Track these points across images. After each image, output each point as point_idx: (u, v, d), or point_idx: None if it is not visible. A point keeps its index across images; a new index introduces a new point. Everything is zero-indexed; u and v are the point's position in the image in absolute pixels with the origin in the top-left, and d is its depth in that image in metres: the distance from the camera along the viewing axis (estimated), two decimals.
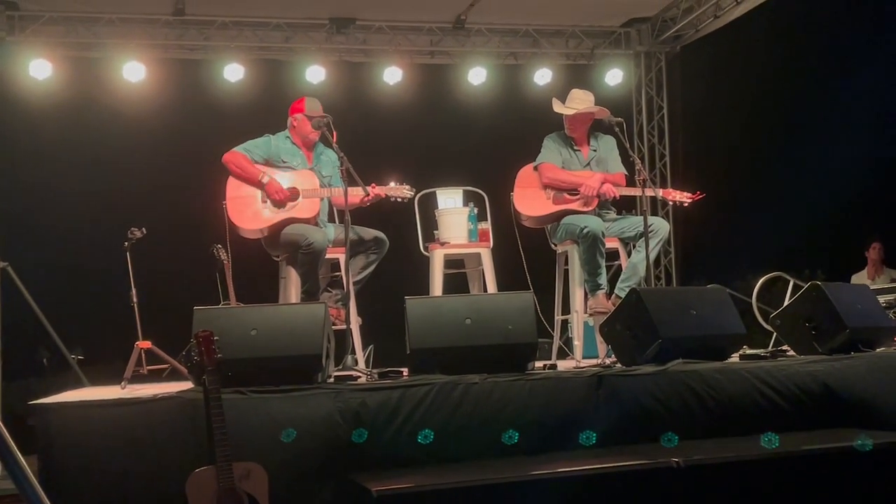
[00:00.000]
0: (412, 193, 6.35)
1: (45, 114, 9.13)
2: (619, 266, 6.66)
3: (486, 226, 6.77)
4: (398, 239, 6.44)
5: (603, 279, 6.31)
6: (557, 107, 6.64)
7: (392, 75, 10.07)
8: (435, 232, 6.73)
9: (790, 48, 11.49)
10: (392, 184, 6.20)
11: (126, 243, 6.74)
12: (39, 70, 9.13)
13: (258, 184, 6.05)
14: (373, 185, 6.06)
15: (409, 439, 4.27)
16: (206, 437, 3.87)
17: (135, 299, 6.77)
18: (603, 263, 6.30)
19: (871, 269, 10.05)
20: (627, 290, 5.75)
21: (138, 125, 9.32)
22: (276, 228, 6.04)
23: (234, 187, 6.11)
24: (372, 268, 6.13)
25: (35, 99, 9.13)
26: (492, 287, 6.55)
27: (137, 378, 5.98)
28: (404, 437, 4.27)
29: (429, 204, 6.85)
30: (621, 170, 6.63)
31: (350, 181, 5.68)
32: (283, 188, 6.02)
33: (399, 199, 6.22)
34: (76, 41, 9.42)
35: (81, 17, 9.30)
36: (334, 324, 5.51)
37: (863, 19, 11.12)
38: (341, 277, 6.05)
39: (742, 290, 7.79)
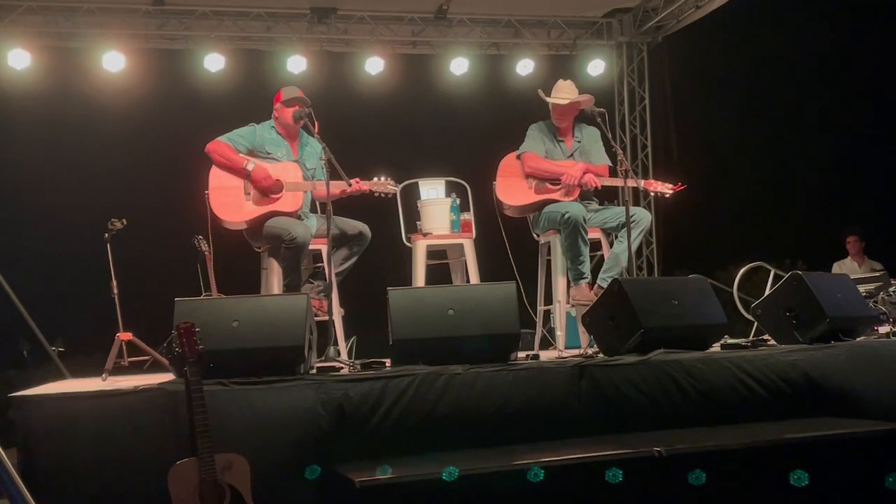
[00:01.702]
0: (397, 189, 6.34)
1: (24, 104, 9.08)
2: (602, 256, 6.67)
3: (469, 216, 6.78)
4: (380, 230, 6.43)
5: (585, 268, 6.32)
6: (551, 96, 6.59)
7: (374, 65, 10.06)
8: (417, 223, 6.73)
9: (771, 38, 11.55)
10: (376, 179, 6.19)
11: (106, 234, 6.70)
12: (18, 60, 9.07)
13: (242, 171, 6.01)
14: (356, 179, 6.04)
15: (392, 430, 4.27)
16: (187, 429, 3.85)
17: (115, 291, 6.73)
18: (585, 251, 6.31)
19: (857, 260, 10.13)
20: (609, 280, 5.76)
21: (118, 116, 9.28)
22: (259, 221, 6.01)
23: (216, 178, 6.06)
24: (354, 259, 6.12)
25: (14, 89, 9.07)
26: (474, 277, 6.55)
27: (119, 370, 5.95)
28: (387, 427, 4.27)
29: (411, 194, 6.84)
30: (605, 161, 6.64)
31: (332, 172, 5.66)
32: (270, 174, 5.99)
33: (383, 195, 6.21)
34: (55, 31, 9.37)
35: (60, 6, 9.24)
36: (317, 315, 5.50)
37: (842, 10, 11.17)
38: (323, 269, 6.04)
39: (723, 280, 7.84)
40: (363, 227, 6.14)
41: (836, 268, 9.90)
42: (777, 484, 4.09)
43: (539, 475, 3.79)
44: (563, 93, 6.59)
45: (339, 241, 6.02)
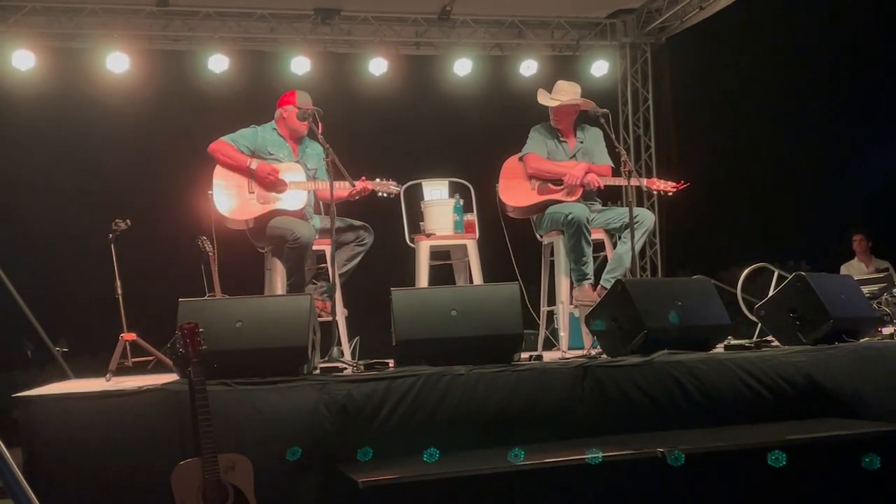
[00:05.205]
0: (399, 189, 6.36)
1: (29, 105, 9.09)
2: (605, 257, 6.68)
3: (472, 217, 6.78)
4: (384, 230, 6.43)
5: (589, 269, 6.31)
6: (542, 98, 6.64)
7: (377, 66, 10.07)
8: (421, 223, 6.73)
9: (775, 39, 11.54)
10: (379, 179, 6.20)
11: (110, 235, 6.72)
12: (22, 61, 9.09)
13: (246, 170, 6.02)
14: (363, 178, 6.06)
15: (396, 431, 4.28)
16: (191, 429, 3.86)
17: (119, 291, 6.75)
18: (588, 252, 6.31)
19: (864, 260, 10.12)
20: (613, 281, 5.76)
21: (122, 116, 9.29)
22: (263, 221, 6.02)
23: (220, 177, 6.07)
24: (357, 260, 6.13)
25: (18, 90, 9.08)
26: (477, 278, 6.56)
27: (122, 370, 5.97)
28: (390, 428, 4.27)
29: (414, 195, 6.85)
30: (607, 162, 6.64)
31: (336, 173, 5.67)
32: (275, 167, 5.99)
33: (386, 195, 6.22)
34: (59, 32, 9.39)
35: (64, 7, 9.26)
36: (320, 315, 5.50)
37: (846, 11, 11.16)
38: (327, 269, 6.04)
39: (727, 281, 7.82)
40: (367, 227, 6.17)
41: (844, 269, 9.89)
42: (780, 485, 4.09)
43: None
44: (561, 94, 6.60)
45: (343, 240, 6.03)
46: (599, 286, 6.28)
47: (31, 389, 4.36)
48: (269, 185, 6.00)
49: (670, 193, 6.57)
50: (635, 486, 4.01)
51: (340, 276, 5.95)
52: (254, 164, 6.01)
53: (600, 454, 3.84)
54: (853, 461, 4.21)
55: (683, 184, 6.55)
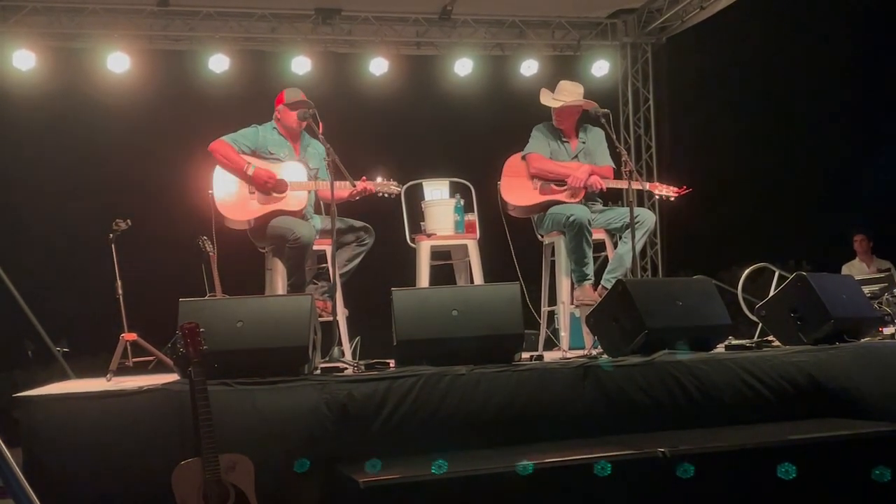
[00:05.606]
0: (400, 189, 6.36)
1: (29, 105, 9.10)
2: (606, 257, 6.67)
3: (473, 217, 6.77)
4: (385, 230, 6.43)
5: (589, 269, 6.31)
6: (545, 98, 6.63)
7: (378, 66, 10.07)
8: (421, 223, 6.73)
9: (776, 39, 11.55)
10: (380, 179, 6.20)
11: (111, 235, 6.71)
12: (23, 61, 9.09)
13: (244, 174, 6.02)
14: (364, 178, 6.06)
15: (396, 431, 4.27)
16: (192, 429, 3.86)
17: (120, 291, 6.74)
18: (590, 253, 6.30)
19: (865, 260, 10.12)
20: (614, 281, 5.75)
21: (123, 116, 9.29)
22: (263, 220, 6.01)
23: (220, 177, 6.07)
24: (358, 260, 6.12)
25: (19, 90, 9.08)
26: (478, 278, 6.56)
27: (123, 370, 5.96)
28: (391, 428, 4.27)
29: (415, 195, 6.85)
30: (609, 163, 6.64)
31: (336, 173, 5.66)
32: (272, 173, 5.99)
33: (386, 195, 6.22)
34: (60, 32, 9.38)
35: (65, 7, 9.26)
36: (321, 315, 5.49)
37: (847, 12, 11.17)
38: (327, 269, 6.04)
39: (728, 281, 7.82)
40: (368, 227, 6.16)
41: (845, 269, 9.88)
42: (781, 485, 4.08)
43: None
44: (564, 94, 6.59)
45: (344, 240, 6.02)
46: (600, 286, 6.27)
47: (31, 389, 4.36)
48: (267, 189, 6.00)
49: (672, 199, 6.55)
50: (636, 486, 4.00)
51: (341, 275, 5.95)
52: (251, 169, 6.00)
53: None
54: (855, 461, 4.21)
55: (685, 189, 6.54)
